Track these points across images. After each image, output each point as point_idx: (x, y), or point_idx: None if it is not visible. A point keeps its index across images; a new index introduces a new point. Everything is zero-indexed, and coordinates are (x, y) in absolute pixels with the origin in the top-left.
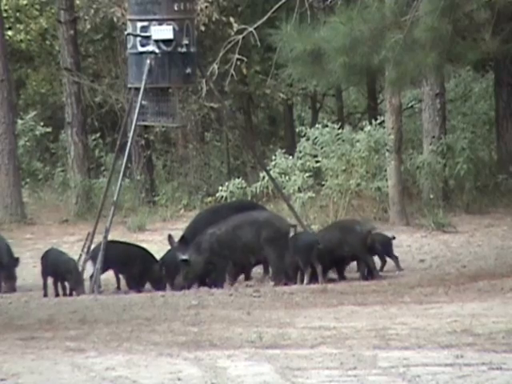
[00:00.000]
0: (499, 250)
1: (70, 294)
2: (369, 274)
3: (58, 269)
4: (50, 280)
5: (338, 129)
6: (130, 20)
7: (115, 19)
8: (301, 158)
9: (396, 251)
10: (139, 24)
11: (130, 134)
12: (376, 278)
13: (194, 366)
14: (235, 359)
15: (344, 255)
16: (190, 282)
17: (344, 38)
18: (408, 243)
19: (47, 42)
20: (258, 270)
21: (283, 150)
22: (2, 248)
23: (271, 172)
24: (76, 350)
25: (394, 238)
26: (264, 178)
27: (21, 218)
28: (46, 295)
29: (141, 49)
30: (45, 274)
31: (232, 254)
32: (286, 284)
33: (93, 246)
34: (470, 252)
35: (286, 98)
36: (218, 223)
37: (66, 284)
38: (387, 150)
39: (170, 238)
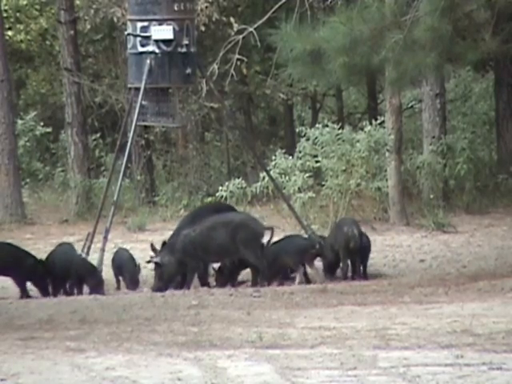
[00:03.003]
0: (499, 250)
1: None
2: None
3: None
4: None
5: (338, 129)
6: (130, 20)
7: (115, 19)
8: (301, 158)
9: (396, 251)
10: (139, 24)
11: (130, 134)
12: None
13: (193, 366)
14: (235, 359)
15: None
16: (166, 283)
17: (344, 37)
18: (408, 243)
19: (47, 42)
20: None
21: (283, 150)
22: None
23: (271, 172)
24: (76, 349)
25: None
26: (264, 178)
27: (21, 218)
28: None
29: (141, 49)
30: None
31: (205, 255)
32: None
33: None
34: (470, 252)
35: (286, 98)
36: (193, 225)
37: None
38: (387, 150)
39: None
